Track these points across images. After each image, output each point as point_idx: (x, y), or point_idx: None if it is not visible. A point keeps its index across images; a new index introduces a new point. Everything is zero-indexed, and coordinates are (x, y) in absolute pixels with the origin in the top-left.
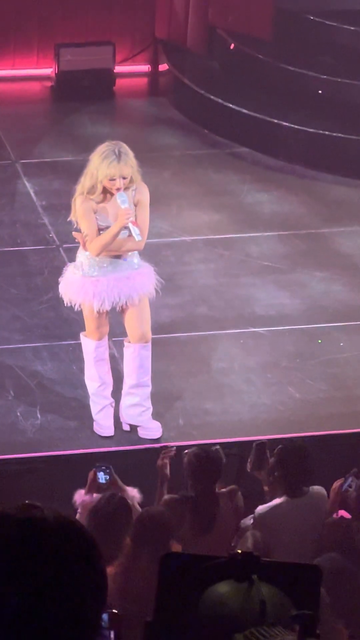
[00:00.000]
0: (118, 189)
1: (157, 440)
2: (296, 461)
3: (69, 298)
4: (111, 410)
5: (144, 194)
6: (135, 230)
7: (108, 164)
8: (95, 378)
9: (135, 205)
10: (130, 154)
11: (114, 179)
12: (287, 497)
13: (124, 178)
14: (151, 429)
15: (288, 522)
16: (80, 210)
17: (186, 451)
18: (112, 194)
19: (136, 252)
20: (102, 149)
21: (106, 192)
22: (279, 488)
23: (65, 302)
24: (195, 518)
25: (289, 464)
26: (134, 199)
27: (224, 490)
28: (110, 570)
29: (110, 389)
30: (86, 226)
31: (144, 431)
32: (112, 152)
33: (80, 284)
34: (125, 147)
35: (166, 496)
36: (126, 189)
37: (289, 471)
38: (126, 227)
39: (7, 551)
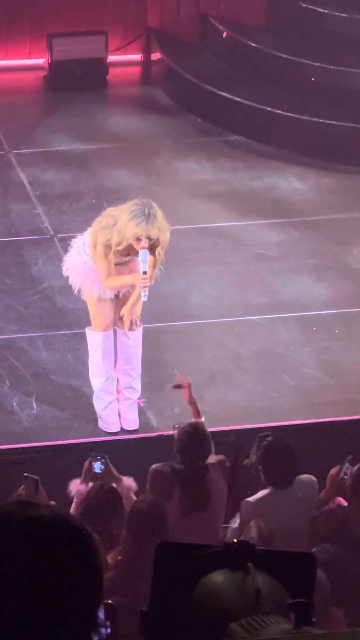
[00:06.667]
0: (142, 248)
1: (135, 432)
2: (279, 457)
3: (71, 280)
4: (116, 405)
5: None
6: (144, 294)
7: (136, 224)
8: (101, 373)
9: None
10: (159, 214)
11: (140, 239)
12: (273, 488)
13: (150, 239)
14: (129, 420)
15: (276, 513)
16: (100, 252)
17: (176, 425)
18: (135, 251)
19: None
20: (131, 207)
21: (130, 248)
22: (265, 480)
23: (69, 279)
24: (185, 494)
25: (271, 460)
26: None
27: (212, 461)
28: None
29: (115, 384)
30: (102, 267)
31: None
32: (142, 212)
33: (82, 269)
34: (154, 208)
35: (154, 465)
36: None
37: (272, 466)
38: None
39: (2, 550)
